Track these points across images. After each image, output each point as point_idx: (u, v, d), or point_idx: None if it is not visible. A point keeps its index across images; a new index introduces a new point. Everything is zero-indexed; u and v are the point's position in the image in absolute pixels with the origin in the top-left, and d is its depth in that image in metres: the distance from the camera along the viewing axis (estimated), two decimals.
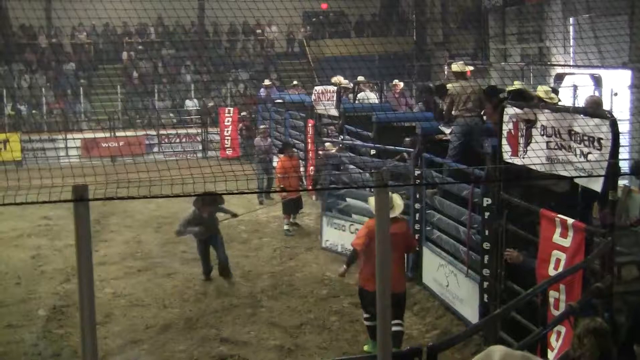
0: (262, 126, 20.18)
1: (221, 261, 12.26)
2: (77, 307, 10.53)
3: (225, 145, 25.27)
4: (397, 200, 9.09)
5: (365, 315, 9.24)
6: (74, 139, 25.45)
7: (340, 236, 13.59)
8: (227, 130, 25.34)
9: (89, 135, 24.97)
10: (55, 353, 9.39)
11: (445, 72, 14.83)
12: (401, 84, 19.96)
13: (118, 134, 25.90)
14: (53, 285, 11.99)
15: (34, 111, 28.02)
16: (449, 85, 11.57)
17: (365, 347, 9.29)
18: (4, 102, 27.51)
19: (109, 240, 14.70)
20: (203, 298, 11.37)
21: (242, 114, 25.27)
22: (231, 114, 25.38)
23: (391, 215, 8.23)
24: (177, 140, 26.33)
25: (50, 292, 11.63)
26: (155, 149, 25.45)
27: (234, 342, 9.68)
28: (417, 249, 10.78)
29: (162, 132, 26.40)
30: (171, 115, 28.41)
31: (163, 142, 26.08)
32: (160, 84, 29.12)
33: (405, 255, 9.96)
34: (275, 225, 15.80)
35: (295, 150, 16.89)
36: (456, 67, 11.73)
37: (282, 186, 15.61)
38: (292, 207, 15.60)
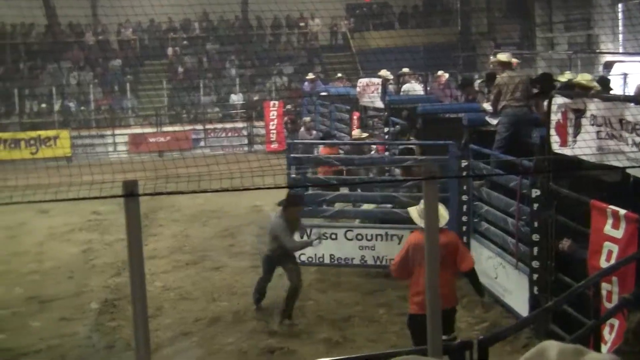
0: (306, 118, 20.23)
1: (293, 283, 10.11)
2: (128, 300, 10.74)
3: (271, 139, 25.37)
4: (442, 211, 7.82)
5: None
6: (122, 134, 25.81)
7: (327, 246, 11.80)
8: (273, 124, 25.44)
9: (137, 130, 25.29)
10: (108, 345, 9.53)
11: (491, 62, 14.65)
12: (446, 75, 19.79)
13: (165, 129, 26.18)
14: (104, 279, 12.17)
15: (82, 108, 28.43)
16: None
17: None
18: (53, 99, 27.98)
19: (157, 235, 14.86)
20: (251, 291, 11.41)
21: (287, 107, 25.35)
22: (276, 108, 25.47)
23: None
24: (223, 134, 26.51)
25: (102, 286, 11.81)
26: (202, 144, 25.67)
27: (282, 334, 9.72)
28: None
29: (208, 126, 26.60)
30: (216, 109, 28.59)
31: (209, 136, 26.28)
32: (205, 79, 29.31)
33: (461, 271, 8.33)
34: None
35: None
36: (502, 57, 11.60)
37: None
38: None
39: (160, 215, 16.48)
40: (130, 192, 4.03)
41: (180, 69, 29.89)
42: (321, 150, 15.78)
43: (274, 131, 25.44)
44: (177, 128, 25.53)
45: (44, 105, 27.92)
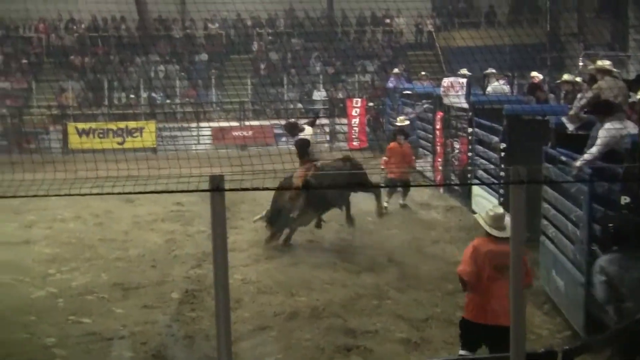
0: (401, 117, 20.13)
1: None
2: (208, 291, 10.92)
3: (353, 136, 25.37)
4: (508, 218, 7.62)
5: (462, 352, 7.99)
6: (206, 127, 26.20)
7: None
8: (355, 121, 25.44)
9: (222, 124, 25.64)
10: (188, 335, 9.67)
11: (580, 65, 14.27)
12: (540, 76, 19.29)
13: (248, 123, 26.45)
14: (185, 270, 12.37)
15: (168, 100, 29.00)
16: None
17: None
18: (140, 91, 28.63)
19: (238, 228, 14.99)
20: (329, 288, 11.44)
21: (369, 104, 25.31)
22: (359, 105, 25.45)
23: (502, 235, 7.42)
24: None
25: (183, 276, 11.99)
26: (284, 139, 25.83)
27: (359, 333, 9.70)
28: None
29: (291, 121, 26.71)
30: (299, 105, 28.74)
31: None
32: (289, 74, 29.51)
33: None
34: (402, 217, 15.74)
35: (404, 139, 16.70)
36: (602, 63, 11.11)
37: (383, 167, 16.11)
38: (392, 188, 15.97)
39: (242, 208, 16.61)
40: (216, 187, 4.08)
41: (264, 65, 30.14)
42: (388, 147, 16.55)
43: (356, 128, 25.43)
44: (260, 123, 25.77)
45: (132, 96, 28.58)
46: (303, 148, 13.33)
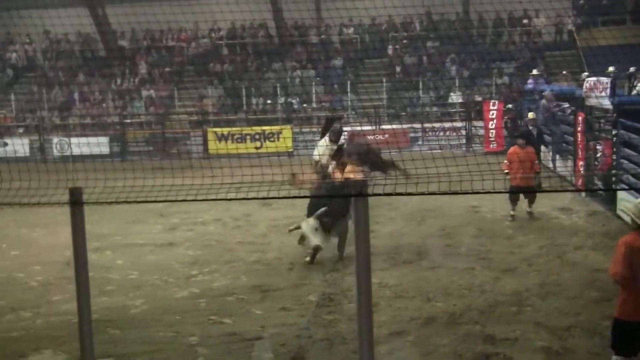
0: (530, 114, 19.64)
1: None
2: (345, 294, 10.98)
3: (490, 139, 24.94)
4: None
5: (616, 358, 7.64)
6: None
7: None
8: (492, 124, 25.01)
9: (357, 128, 25.75)
10: (325, 338, 9.73)
11: None
12: None
13: (383, 127, 26.46)
14: (322, 273, 12.47)
15: (304, 105, 29.43)
16: None
17: None
18: (277, 97, 29.21)
19: (374, 232, 14.94)
20: (467, 293, 11.25)
21: (507, 106, 24.81)
22: (496, 107, 24.99)
23: None
24: (441, 133, 26.40)
25: (320, 279, 12.10)
26: (419, 142, 25.72)
27: (498, 340, 9.48)
28: None
29: (426, 125, 26.59)
30: (435, 109, 28.52)
31: (427, 135, 26.28)
32: (424, 78, 29.33)
33: None
34: (541, 222, 15.33)
35: (524, 143, 15.90)
36: None
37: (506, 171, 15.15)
38: (515, 195, 15.36)
39: (378, 212, 16.62)
40: (359, 192, 4.08)
41: (399, 68, 30.09)
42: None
43: (493, 131, 24.98)
44: (395, 126, 25.74)
45: (269, 102, 29.19)
46: (361, 154, 13.06)
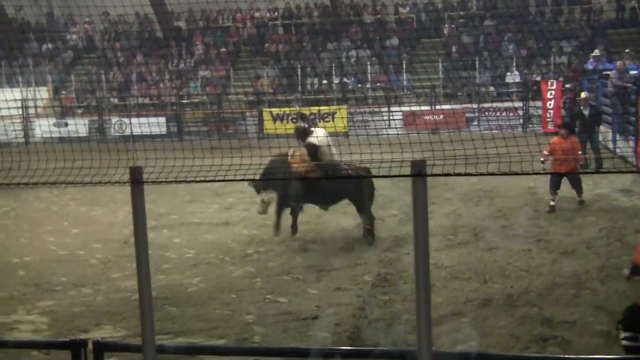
0: (584, 94, 19.25)
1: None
2: (400, 275, 10.97)
3: (548, 119, 24.56)
4: None
5: (626, 335, 7.14)
6: (397, 111, 26.26)
7: None
8: (550, 104, 24.61)
9: (413, 108, 25.65)
10: (380, 318, 9.74)
11: None
12: None
13: (439, 107, 26.26)
14: (377, 253, 12.48)
15: (359, 85, 29.33)
16: None
17: None
18: (332, 77, 29.16)
19: (430, 212, 14.86)
20: (524, 275, 11.13)
21: (566, 86, 24.38)
22: (554, 87, 24.58)
23: None
24: (498, 113, 26.09)
25: (375, 260, 12.11)
26: (475, 122, 25.46)
27: (556, 323, 9.36)
28: None
29: (483, 105, 26.30)
30: (491, 88, 28.17)
31: (483, 115, 26.00)
32: (481, 57, 28.96)
33: None
34: (600, 204, 15.07)
35: (567, 132, 15.10)
36: None
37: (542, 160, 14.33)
38: (556, 182, 14.64)
39: (433, 192, 16.48)
40: (419, 172, 4.06)
41: (455, 48, 29.76)
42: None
43: (551, 111, 24.59)
44: (451, 106, 25.52)
45: (324, 82, 29.15)
46: (312, 153, 12.95)
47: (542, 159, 14.22)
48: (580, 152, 15.43)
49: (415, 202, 4.15)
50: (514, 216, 14.22)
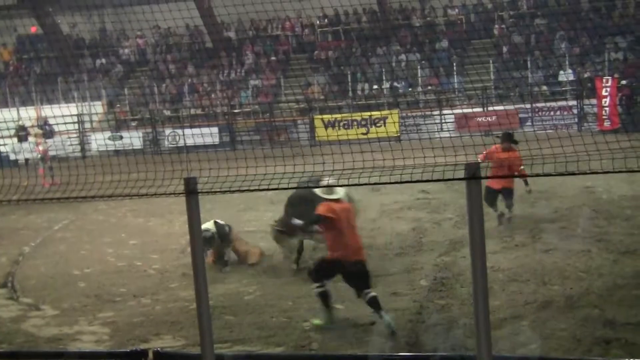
0: None
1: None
2: (457, 279, 10.86)
3: (603, 117, 24.14)
4: None
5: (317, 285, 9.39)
6: (449, 114, 26.12)
7: None
8: (605, 101, 24.19)
9: (465, 110, 25.43)
10: (438, 322, 9.66)
11: None
12: None
13: (491, 108, 26.03)
14: (433, 257, 12.38)
15: (410, 89, 29.23)
16: None
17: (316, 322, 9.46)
18: (383, 82, 29.11)
19: (485, 215, 14.73)
20: (584, 276, 10.93)
21: (622, 82, 23.95)
22: (609, 84, 24.16)
23: None
24: (552, 113, 25.75)
25: (431, 264, 12.01)
26: (529, 122, 25.16)
27: (619, 324, 9.16)
28: None
29: (536, 104, 25.99)
30: (544, 88, 27.79)
31: (537, 115, 25.68)
32: (533, 56, 28.61)
33: None
34: None
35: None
36: None
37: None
38: (491, 198, 13.79)
39: None
40: (473, 175, 4.02)
41: (506, 48, 29.46)
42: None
43: (607, 109, 24.16)
44: (504, 107, 25.26)
45: (375, 87, 29.13)
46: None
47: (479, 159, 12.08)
48: (522, 168, 12.95)
49: (470, 205, 4.11)
50: (571, 216, 14.00)
